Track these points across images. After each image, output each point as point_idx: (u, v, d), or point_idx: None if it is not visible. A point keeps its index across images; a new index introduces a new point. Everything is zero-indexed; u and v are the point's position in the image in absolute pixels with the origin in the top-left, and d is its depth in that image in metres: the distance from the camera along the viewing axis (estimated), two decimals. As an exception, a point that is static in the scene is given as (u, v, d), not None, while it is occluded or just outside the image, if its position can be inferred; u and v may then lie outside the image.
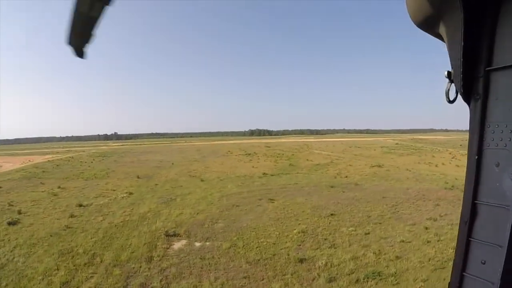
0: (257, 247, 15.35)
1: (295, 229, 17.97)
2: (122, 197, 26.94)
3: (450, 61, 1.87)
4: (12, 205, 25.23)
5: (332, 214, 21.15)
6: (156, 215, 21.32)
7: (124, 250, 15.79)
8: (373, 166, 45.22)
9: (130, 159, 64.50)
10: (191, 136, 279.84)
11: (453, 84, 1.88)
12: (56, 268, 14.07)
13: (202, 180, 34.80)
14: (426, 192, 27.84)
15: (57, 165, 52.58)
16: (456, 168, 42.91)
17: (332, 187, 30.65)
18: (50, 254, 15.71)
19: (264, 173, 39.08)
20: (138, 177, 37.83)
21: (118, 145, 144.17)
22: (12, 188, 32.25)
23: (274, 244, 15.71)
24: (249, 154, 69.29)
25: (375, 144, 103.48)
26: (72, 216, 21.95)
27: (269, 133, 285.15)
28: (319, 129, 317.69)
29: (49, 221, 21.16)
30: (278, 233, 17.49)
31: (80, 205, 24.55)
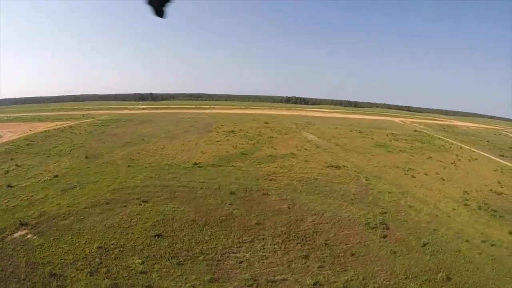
0: (46, 256, 19.06)
1: (98, 244, 20.26)
2: (45, 180, 33.88)
3: None
4: (-35, 182, 33.31)
5: (158, 236, 21.70)
6: (41, 203, 27.64)
7: (-15, 231, 22.50)
8: (329, 166, 43.48)
9: (119, 131, 72.48)
10: (225, 100, 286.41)
11: None
12: None
13: (129, 166, 39.94)
14: (324, 226, 24.28)
15: (46, 137, 61.50)
16: (435, 184, 38.46)
17: (232, 193, 30.74)
18: None
19: (196, 163, 41.95)
20: (86, 157, 44.35)
21: (139, 110, 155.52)
22: (-15, 164, 40.92)
23: (66, 253, 19.37)
24: (231, 132, 73.46)
25: (385, 130, 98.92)
26: (-10, 196, 29.08)
27: (305, 101, 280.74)
28: (360, 101, 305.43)
29: (-31, 201, 28.03)
30: (84, 242, 20.74)
31: (9, 186, 31.76)
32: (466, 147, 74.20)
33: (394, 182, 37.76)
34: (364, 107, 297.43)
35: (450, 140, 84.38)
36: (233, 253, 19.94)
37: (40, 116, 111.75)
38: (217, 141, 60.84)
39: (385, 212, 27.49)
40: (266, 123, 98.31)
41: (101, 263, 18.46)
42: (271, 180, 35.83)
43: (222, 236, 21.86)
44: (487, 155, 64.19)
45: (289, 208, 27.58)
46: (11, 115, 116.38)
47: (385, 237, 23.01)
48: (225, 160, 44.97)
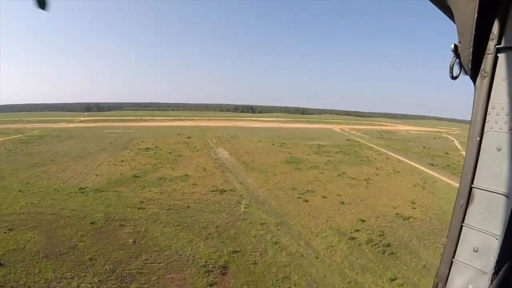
0: None
1: None
2: None
3: (458, 35, 1.82)
4: None
5: (1, 265, 22.00)
6: None
7: None
8: (214, 191, 41.50)
9: (36, 149, 73.90)
10: (173, 109, 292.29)
11: (457, 60, 1.90)
12: None
13: (20, 191, 39.14)
14: (154, 267, 22.57)
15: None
16: (328, 210, 34.60)
17: (92, 223, 29.86)
18: None
19: (82, 188, 41.94)
20: (-15, 183, 46.57)
21: (77, 122, 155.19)
22: None
23: None
24: (145, 150, 75.87)
25: (314, 141, 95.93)
26: None
27: (252, 110, 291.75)
28: (309, 107, 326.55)
29: None
30: None
31: None
32: (395, 156, 71.25)
33: (276, 210, 34.40)
34: (311, 113, 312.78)
35: (380, 149, 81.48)
36: (49, 288, 19.50)
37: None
38: (122, 161, 62.72)
39: (237, 251, 24.26)
40: (189, 137, 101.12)
41: None
42: (139, 208, 34.70)
43: (51, 270, 21.60)
44: (415, 165, 61.73)
45: (134, 242, 26.09)
46: None
47: (212, 285, 19.97)
48: (112, 184, 44.57)
